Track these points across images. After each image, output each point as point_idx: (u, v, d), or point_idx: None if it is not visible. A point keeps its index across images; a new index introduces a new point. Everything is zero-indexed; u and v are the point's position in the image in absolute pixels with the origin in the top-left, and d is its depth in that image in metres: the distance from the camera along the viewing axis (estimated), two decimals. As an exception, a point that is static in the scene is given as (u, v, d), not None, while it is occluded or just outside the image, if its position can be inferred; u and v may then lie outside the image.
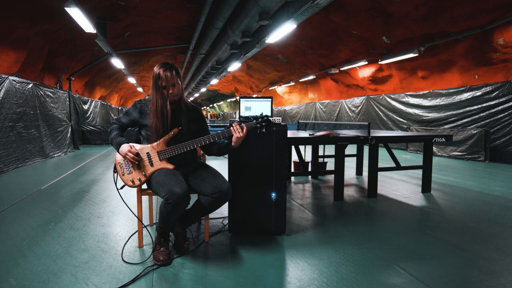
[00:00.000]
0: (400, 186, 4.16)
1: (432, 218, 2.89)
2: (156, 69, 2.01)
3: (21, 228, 2.55)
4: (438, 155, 7.65)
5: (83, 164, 6.09)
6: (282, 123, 2.40)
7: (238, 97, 22.62)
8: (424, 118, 8.36)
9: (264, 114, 2.14)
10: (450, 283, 1.75)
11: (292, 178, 4.64)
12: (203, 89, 21.23)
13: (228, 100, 28.28)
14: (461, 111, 7.35)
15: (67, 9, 4.64)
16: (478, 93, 6.95)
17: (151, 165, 2.05)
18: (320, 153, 5.65)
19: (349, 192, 3.82)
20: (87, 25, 5.49)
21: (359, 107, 11.02)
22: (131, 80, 14.20)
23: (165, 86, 2.00)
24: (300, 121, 5.97)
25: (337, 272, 1.86)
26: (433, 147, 7.54)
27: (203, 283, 1.74)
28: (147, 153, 2.05)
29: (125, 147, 2.01)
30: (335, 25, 8.03)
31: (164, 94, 2.02)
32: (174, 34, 10.09)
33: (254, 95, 18.92)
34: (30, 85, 6.30)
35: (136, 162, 2.01)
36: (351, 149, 7.56)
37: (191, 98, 29.67)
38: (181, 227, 2.12)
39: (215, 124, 9.17)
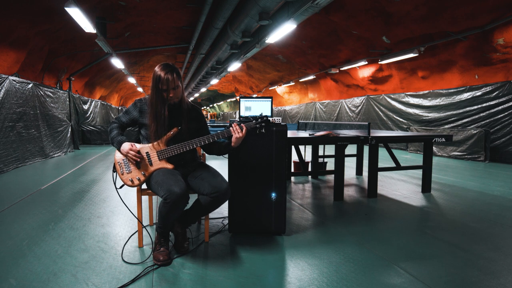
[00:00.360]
0: (400, 186, 4.16)
1: (432, 218, 2.89)
2: (157, 70, 1.99)
3: (21, 228, 2.55)
4: (438, 155, 7.64)
5: (83, 164, 6.09)
6: (282, 123, 2.40)
7: (238, 97, 22.61)
8: (424, 118, 8.36)
9: (263, 115, 2.13)
10: (450, 283, 1.75)
11: (292, 178, 4.64)
12: (203, 89, 21.23)
13: (228, 100, 28.27)
14: (461, 111, 7.35)
15: (67, 9, 4.64)
16: (478, 93, 6.94)
17: (151, 164, 2.04)
18: (320, 153, 5.65)
19: (349, 192, 3.82)
20: (87, 25, 5.49)
21: (359, 107, 11.01)
22: (131, 80, 14.20)
23: (166, 89, 1.98)
24: (300, 121, 5.97)
25: (337, 272, 1.86)
26: (433, 147, 7.54)
27: (203, 283, 1.74)
28: (147, 152, 2.05)
29: (126, 146, 2.00)
30: (335, 25, 8.03)
31: (164, 97, 2.01)
32: (174, 34, 10.09)
33: (254, 95, 18.92)
34: (30, 85, 6.30)
35: (138, 159, 2.01)
36: (351, 149, 7.56)
37: (191, 98, 29.66)
38: (181, 227, 2.12)
39: (215, 124, 9.17)
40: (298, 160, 4.73)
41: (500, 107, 6.50)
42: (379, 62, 8.56)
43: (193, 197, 2.10)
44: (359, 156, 4.98)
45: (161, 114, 2.02)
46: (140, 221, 2.16)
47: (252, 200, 2.35)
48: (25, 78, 6.57)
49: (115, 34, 8.69)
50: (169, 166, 2.04)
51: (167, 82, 1.95)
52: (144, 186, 2.40)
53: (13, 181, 4.46)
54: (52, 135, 7.26)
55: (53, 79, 8.90)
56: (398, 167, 3.82)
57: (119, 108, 17.52)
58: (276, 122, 2.48)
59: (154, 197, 3.39)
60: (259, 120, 2.08)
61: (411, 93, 8.83)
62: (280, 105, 18.37)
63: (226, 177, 2.27)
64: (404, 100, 9.03)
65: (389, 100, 9.58)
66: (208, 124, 6.00)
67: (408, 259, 2.03)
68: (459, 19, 6.07)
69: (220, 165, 5.68)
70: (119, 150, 2.05)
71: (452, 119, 7.56)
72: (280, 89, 16.95)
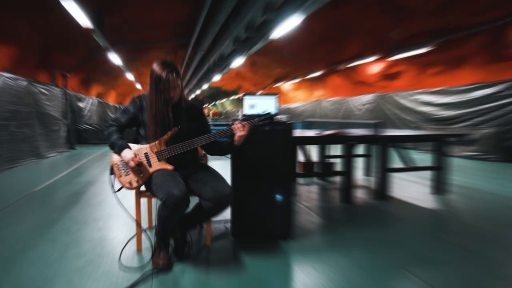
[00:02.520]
0: (411, 188, 4.06)
1: (445, 221, 2.81)
2: (156, 69, 1.87)
3: (15, 232, 2.49)
4: (449, 155, 7.47)
5: (79, 165, 5.98)
6: (287, 122, 2.32)
7: (241, 95, 22.54)
8: (436, 116, 8.17)
9: (267, 111, 2.05)
10: (465, 291, 1.68)
11: (299, 180, 4.53)
12: (205, 86, 21.11)
13: (231, 98, 28.20)
14: (474, 109, 7.13)
15: (62, 2, 4.53)
16: (493, 90, 6.74)
17: (150, 166, 1.95)
18: (328, 153, 5.55)
19: (357, 194, 3.73)
20: (83, 19, 5.37)
21: (367, 105, 10.84)
22: (130, 76, 14.05)
23: (167, 89, 1.89)
24: (306, 119, 5.85)
25: (344, 277, 1.81)
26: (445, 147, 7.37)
27: (205, 291, 1.68)
28: (145, 153, 1.96)
29: (129, 154, 1.90)
30: (344, 19, 7.86)
31: (166, 97, 1.92)
32: (175, 29, 9.96)
33: (259, 92, 18.82)
34: (24, 82, 6.15)
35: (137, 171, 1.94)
36: (360, 148, 7.44)
37: (192, 96, 29.57)
38: (181, 231, 2.04)
39: (218, 123, 9.03)
40: (304, 161, 4.63)
41: (515, 105, 6.30)
42: (389, 58, 8.37)
43: (194, 200, 2.02)
44: (368, 156, 4.86)
45: (165, 116, 1.93)
46: (139, 224, 2.08)
47: (256, 202, 2.27)
48: (18, 74, 6.43)
49: (112, 28, 8.50)
50: (169, 167, 1.95)
51: (168, 82, 1.86)
52: (143, 188, 2.33)
53: (6, 183, 4.38)
54: (46, 134, 7.06)
55: (47, 76, 8.77)
56: (409, 167, 3.71)
57: (117, 106, 17.41)
58: (281, 120, 2.38)
59: (154, 200, 3.29)
60: (262, 117, 2.01)
61: (422, 90, 8.62)
62: (286, 103, 18.23)
63: (229, 178, 2.19)
64: (414, 97, 8.85)
65: (398, 97, 9.41)
66: (210, 123, 5.89)
67: (419, 264, 1.97)
68: (473, 13, 5.90)
69: (222, 166, 5.58)
70: (119, 155, 1.95)
71: (465, 117, 7.35)
72: (286, 86, 16.81)
